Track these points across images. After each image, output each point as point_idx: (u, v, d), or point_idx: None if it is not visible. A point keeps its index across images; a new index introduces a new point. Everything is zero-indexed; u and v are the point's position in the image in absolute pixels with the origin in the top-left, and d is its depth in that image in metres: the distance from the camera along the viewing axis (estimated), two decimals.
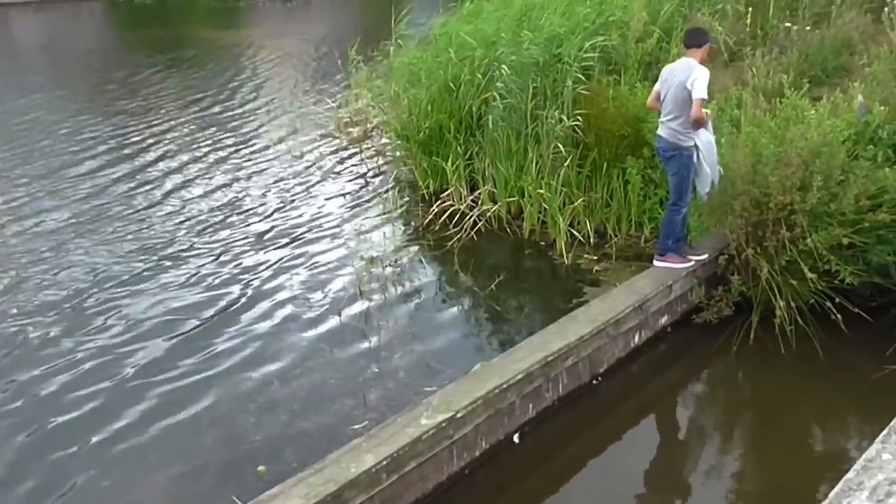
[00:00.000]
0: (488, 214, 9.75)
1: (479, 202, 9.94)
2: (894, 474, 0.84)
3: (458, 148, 10.33)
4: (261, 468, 5.78)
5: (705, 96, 7.34)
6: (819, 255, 7.14)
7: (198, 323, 7.97)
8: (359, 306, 8.25)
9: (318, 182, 12.02)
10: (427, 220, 10.02)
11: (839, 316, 7.03)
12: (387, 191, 11.53)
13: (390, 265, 9.13)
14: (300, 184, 12.00)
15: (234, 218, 10.70)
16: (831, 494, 0.82)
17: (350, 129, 13.99)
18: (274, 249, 9.67)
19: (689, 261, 7.79)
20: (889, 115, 7.95)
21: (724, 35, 10.58)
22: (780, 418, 6.59)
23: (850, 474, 0.84)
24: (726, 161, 7.71)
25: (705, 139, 7.50)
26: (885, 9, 10.44)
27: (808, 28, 10.76)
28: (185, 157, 13.43)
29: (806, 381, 6.93)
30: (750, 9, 11.12)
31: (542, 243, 9.41)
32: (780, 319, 7.16)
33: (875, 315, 7.03)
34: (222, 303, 8.38)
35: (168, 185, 12.13)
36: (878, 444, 0.86)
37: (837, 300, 7.08)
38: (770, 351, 7.11)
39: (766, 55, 10.10)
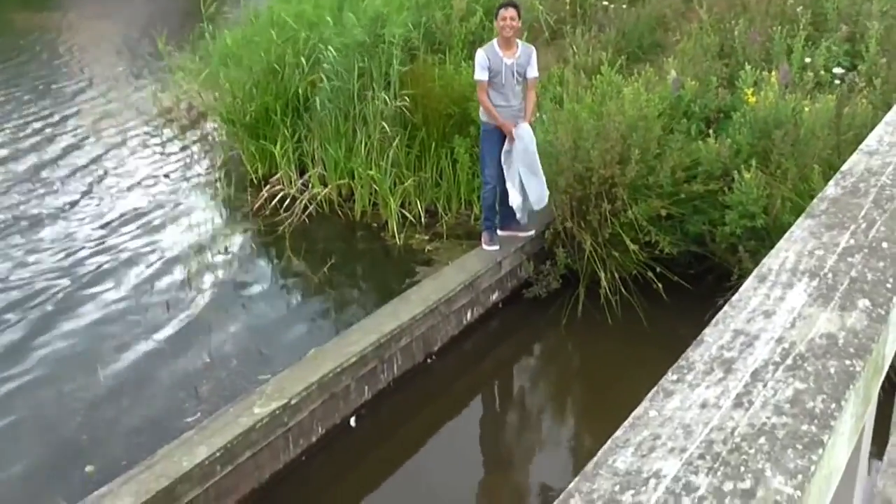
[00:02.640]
0: (319, 197, 9.59)
1: (310, 185, 9.79)
2: (658, 430, 0.88)
3: (286, 131, 10.14)
4: (89, 468, 5.57)
5: (476, 77, 7.61)
6: (639, 227, 7.40)
7: (14, 321, 7.58)
8: (188, 296, 8.01)
9: (140, 170, 11.54)
10: (256, 206, 9.78)
11: (660, 285, 7.29)
12: (214, 176, 11.21)
13: (220, 252, 8.93)
14: (122, 174, 11.47)
15: (51, 210, 10.18)
16: (599, 452, 0.85)
17: (173, 115, 13.51)
18: (95, 241, 9.25)
19: (492, 244, 7.87)
20: (700, 90, 8.31)
21: (545, 14, 10.77)
22: (610, 386, 6.79)
23: (618, 432, 0.88)
24: (549, 138, 7.86)
25: (521, 147, 7.49)
26: None
27: (624, 6, 11.05)
28: None
29: (631, 348, 7.17)
30: None
31: (374, 225, 9.37)
32: (605, 290, 7.40)
33: (693, 282, 7.31)
34: (40, 299, 7.96)
35: None
36: (647, 403, 0.90)
37: (658, 270, 7.36)
38: (597, 321, 7.32)
39: (586, 33, 10.34)
